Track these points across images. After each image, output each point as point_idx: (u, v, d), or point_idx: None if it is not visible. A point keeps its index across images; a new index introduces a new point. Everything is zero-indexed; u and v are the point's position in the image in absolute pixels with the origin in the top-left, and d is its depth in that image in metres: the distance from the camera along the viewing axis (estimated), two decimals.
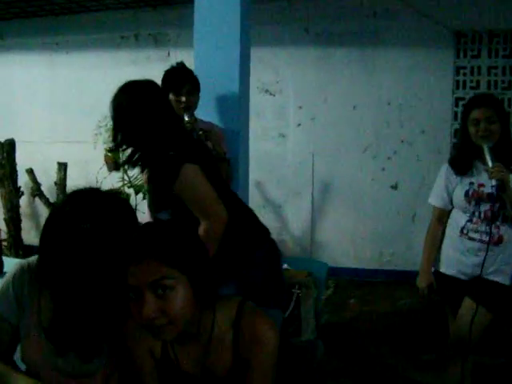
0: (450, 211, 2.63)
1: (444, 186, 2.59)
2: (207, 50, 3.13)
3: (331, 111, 5.34)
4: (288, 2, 5.31)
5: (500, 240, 2.43)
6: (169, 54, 5.60)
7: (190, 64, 3.05)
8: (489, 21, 4.97)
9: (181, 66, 2.89)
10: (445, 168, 2.62)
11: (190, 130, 2.63)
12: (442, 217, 2.65)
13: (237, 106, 3.13)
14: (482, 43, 5.06)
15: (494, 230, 2.43)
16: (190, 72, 2.88)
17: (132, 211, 1.53)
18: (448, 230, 2.62)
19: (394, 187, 5.34)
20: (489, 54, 5.06)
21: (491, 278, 2.46)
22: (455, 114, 5.12)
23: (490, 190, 2.42)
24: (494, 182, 2.29)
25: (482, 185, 2.46)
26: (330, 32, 5.25)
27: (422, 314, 4.16)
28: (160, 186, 2.12)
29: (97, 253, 1.35)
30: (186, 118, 2.73)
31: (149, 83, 2.19)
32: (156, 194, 2.23)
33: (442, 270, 2.61)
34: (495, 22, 4.97)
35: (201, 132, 2.71)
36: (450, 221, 2.63)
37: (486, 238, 2.43)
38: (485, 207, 2.45)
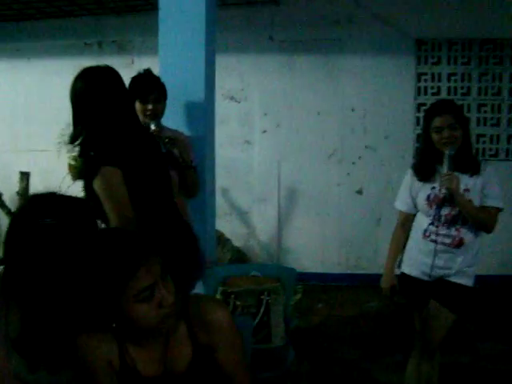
0: (415, 215, 2.68)
1: (408, 191, 2.65)
2: (172, 56, 3.08)
3: (296, 118, 5.37)
4: (252, 10, 5.32)
5: (461, 242, 2.48)
6: (133, 61, 5.53)
7: (155, 72, 3.03)
8: (448, 29, 5.09)
9: (147, 73, 2.84)
10: (409, 173, 2.68)
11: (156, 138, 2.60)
12: (406, 221, 2.70)
13: (202, 113, 3.10)
14: (441, 51, 5.18)
15: (455, 233, 2.49)
16: (156, 79, 2.83)
17: (90, 209, 1.53)
18: (412, 232, 2.67)
19: (359, 192, 5.39)
20: (448, 61, 5.18)
21: (454, 280, 2.51)
22: (417, 119, 5.20)
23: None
24: (443, 190, 2.41)
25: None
26: (295, 39, 5.28)
27: (389, 317, 4.22)
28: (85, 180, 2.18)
29: (60, 250, 1.34)
30: (153, 127, 2.68)
31: (107, 69, 2.21)
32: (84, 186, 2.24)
33: (407, 271, 2.66)
34: (454, 31, 5.11)
35: (167, 140, 2.68)
36: (414, 223, 2.67)
37: (448, 241, 2.49)
38: (445, 211, 2.50)
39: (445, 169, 2.41)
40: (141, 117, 2.71)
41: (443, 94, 5.18)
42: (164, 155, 2.51)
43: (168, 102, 2.92)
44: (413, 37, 5.16)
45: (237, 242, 5.34)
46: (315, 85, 5.31)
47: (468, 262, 2.52)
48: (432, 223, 2.54)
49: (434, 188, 2.53)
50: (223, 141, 5.11)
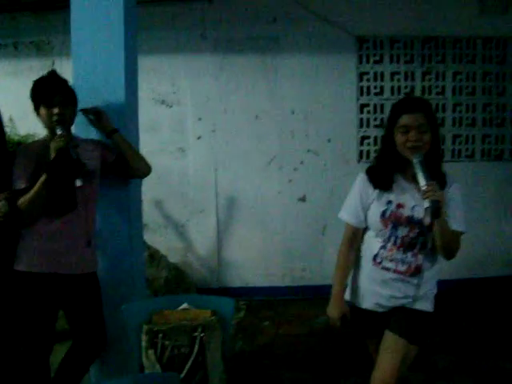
0: (365, 229, 2.31)
1: (359, 201, 2.25)
2: (86, 58, 2.74)
3: (233, 122, 5.06)
4: (183, 7, 4.96)
5: (418, 270, 2.16)
6: (53, 63, 5.10)
7: None
8: (389, 27, 4.96)
9: (52, 74, 2.49)
10: (361, 179, 2.27)
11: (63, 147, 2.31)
12: (355, 236, 2.30)
13: (123, 119, 2.74)
14: (383, 49, 5.02)
15: (412, 259, 2.16)
16: (63, 81, 2.49)
17: None
18: (361, 258, 2.31)
19: (302, 199, 5.13)
20: (391, 59, 5.03)
21: (412, 306, 2.19)
22: (361, 120, 5.04)
23: (409, 213, 2.14)
24: (427, 204, 1.94)
25: (401, 205, 2.16)
26: (229, 38, 4.97)
27: (340, 334, 3.94)
28: None
29: None
30: (59, 131, 2.36)
31: None
32: None
33: (357, 303, 2.30)
34: (395, 29, 4.97)
35: (78, 149, 2.36)
36: (362, 246, 2.31)
37: (403, 268, 2.16)
38: (402, 232, 2.15)
39: (420, 179, 1.99)
40: (47, 123, 2.44)
41: (386, 94, 5.01)
42: (74, 162, 2.33)
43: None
44: (354, 34, 4.97)
45: (173, 258, 4.95)
46: (252, 86, 5.03)
47: (428, 287, 2.20)
48: (383, 246, 2.19)
49: (390, 202, 2.17)
50: (154, 148, 4.81)
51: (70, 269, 2.44)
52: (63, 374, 2.47)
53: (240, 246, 5.17)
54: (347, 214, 2.30)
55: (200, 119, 5.09)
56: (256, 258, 5.17)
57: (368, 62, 5.02)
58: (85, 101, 2.61)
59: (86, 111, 2.65)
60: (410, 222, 2.13)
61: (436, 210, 1.93)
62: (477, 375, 3.32)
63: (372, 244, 2.24)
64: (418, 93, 5.01)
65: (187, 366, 2.22)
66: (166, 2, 4.93)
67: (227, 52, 5.00)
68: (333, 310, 2.29)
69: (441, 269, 2.27)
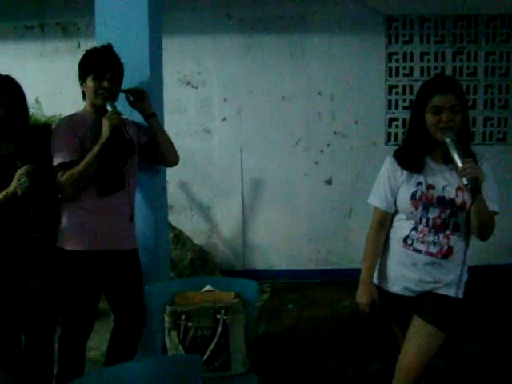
0: (394, 213, 2.24)
1: (388, 185, 2.19)
2: (111, 39, 2.67)
3: (258, 103, 5.01)
4: None
5: (450, 252, 2.09)
6: (79, 45, 5.07)
7: None
8: (419, 5, 4.83)
9: (107, 47, 2.48)
10: (388, 162, 2.21)
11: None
12: (384, 220, 2.24)
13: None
14: (413, 28, 4.90)
15: (444, 241, 2.09)
16: (116, 57, 2.47)
17: None
18: (390, 241, 2.25)
19: (329, 182, 5.09)
20: (421, 39, 4.92)
21: (442, 292, 2.12)
22: (389, 102, 4.96)
23: (440, 194, 2.09)
24: (465, 181, 1.89)
25: (431, 186, 2.09)
26: (254, 17, 4.90)
27: (365, 317, 3.90)
28: None
29: None
30: (110, 108, 2.36)
31: None
32: None
33: (385, 287, 2.25)
34: (426, 7, 4.84)
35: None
36: (391, 229, 2.25)
37: (434, 250, 2.10)
38: (434, 213, 2.09)
39: (456, 158, 1.94)
40: (92, 96, 2.41)
41: (416, 75, 4.91)
42: (127, 141, 2.40)
43: None
44: (382, 14, 4.86)
45: (198, 240, 4.95)
46: (278, 67, 4.96)
47: (459, 272, 2.14)
48: (415, 228, 2.13)
49: (420, 184, 2.11)
50: (180, 130, 4.82)
51: (116, 245, 2.43)
52: (113, 356, 2.46)
53: (265, 229, 5.15)
54: (376, 198, 2.24)
55: (225, 100, 5.05)
56: (281, 241, 5.15)
57: (397, 42, 4.91)
58: None
59: (128, 91, 2.61)
60: (441, 202, 2.07)
61: (476, 186, 1.88)
62: (505, 363, 3.26)
63: (403, 226, 2.18)
64: (448, 74, 4.87)
65: (210, 348, 2.21)
66: None
67: (253, 32, 4.93)
68: (362, 296, 2.25)
69: (471, 255, 2.21)
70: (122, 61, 2.53)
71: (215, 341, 2.21)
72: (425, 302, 2.14)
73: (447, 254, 2.09)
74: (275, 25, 4.91)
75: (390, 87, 4.95)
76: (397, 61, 4.93)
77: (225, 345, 2.23)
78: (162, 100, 2.96)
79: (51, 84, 4.91)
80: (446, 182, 2.09)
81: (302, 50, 4.93)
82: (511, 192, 4.81)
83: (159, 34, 2.92)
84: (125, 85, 2.64)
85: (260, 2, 4.90)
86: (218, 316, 2.22)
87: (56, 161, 2.33)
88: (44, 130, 2.50)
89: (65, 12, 5.16)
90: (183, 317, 2.21)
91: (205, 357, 2.20)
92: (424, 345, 2.09)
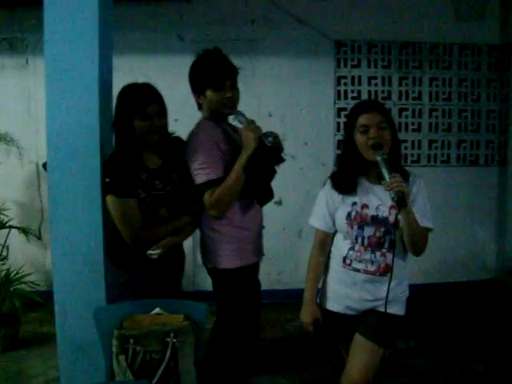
0: (334, 233, 2.33)
1: (325, 206, 2.29)
2: (59, 55, 2.63)
3: None
4: (159, 6, 4.90)
5: (387, 269, 2.15)
6: (27, 61, 4.96)
7: None
8: (367, 31, 4.99)
9: (220, 56, 2.63)
10: (326, 185, 2.32)
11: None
12: (325, 240, 2.34)
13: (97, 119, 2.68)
14: (361, 53, 5.04)
15: (381, 259, 2.16)
16: (232, 65, 2.57)
17: None
18: (331, 261, 2.32)
19: (279, 202, 5.11)
20: (368, 64, 5.06)
21: (382, 309, 2.17)
22: (338, 124, 5.06)
23: (373, 213, 2.15)
24: (392, 194, 1.95)
25: (365, 206, 2.18)
26: (206, 39, 4.91)
27: (314, 338, 3.93)
28: None
29: None
30: (243, 119, 2.53)
31: None
32: None
33: (328, 306, 2.31)
34: (373, 33, 5.01)
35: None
36: (332, 249, 2.33)
37: (372, 268, 2.16)
38: (369, 232, 2.16)
39: (385, 173, 2.01)
40: (217, 106, 2.45)
41: (363, 98, 5.02)
42: (271, 149, 2.43)
43: None
44: (332, 38, 4.99)
45: None
46: None
47: (398, 289, 2.20)
48: (352, 248, 2.20)
49: (355, 204, 2.19)
50: None
51: (258, 256, 2.60)
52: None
53: None
54: (316, 219, 2.34)
55: (176, 120, 5.00)
56: None
57: (346, 66, 5.04)
58: (56, 101, 2.56)
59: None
60: (375, 221, 2.15)
61: (401, 198, 1.94)
62: (450, 379, 3.35)
63: (341, 246, 2.25)
64: (394, 98, 5.06)
65: (159, 372, 2.17)
66: (143, 1, 4.85)
67: None
68: (305, 315, 2.30)
69: (411, 271, 2.28)
70: (71, 79, 2.49)
71: (164, 364, 2.18)
72: (366, 320, 2.20)
73: (385, 271, 2.15)
74: (227, 47, 4.88)
75: (339, 110, 5.05)
76: (345, 84, 5.04)
77: (174, 368, 2.20)
78: (111, 119, 2.92)
79: None
80: (380, 202, 2.16)
81: (252, 73, 4.97)
82: (453, 211, 4.97)
83: (110, 52, 2.89)
84: (73, 102, 2.59)
85: (212, 24, 4.93)
86: (167, 339, 2.18)
87: (200, 179, 2.29)
88: (180, 141, 2.50)
89: (12, 27, 5.02)
90: (131, 340, 2.16)
91: (154, 381, 2.16)
92: (365, 361, 2.14)
